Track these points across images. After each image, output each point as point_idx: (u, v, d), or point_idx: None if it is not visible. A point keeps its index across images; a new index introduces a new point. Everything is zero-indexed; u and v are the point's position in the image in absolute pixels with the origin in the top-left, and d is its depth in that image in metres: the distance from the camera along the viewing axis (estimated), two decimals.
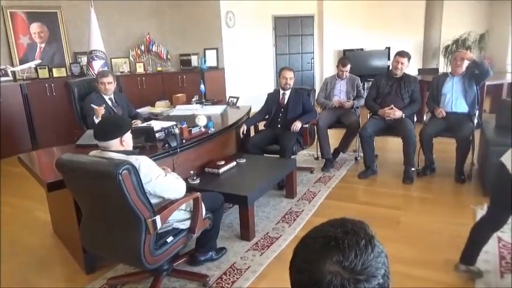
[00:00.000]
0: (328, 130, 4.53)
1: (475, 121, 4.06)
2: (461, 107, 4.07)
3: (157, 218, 2.09)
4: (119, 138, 2.16)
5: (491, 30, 8.82)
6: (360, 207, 3.59)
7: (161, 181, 2.19)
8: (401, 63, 4.15)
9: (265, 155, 4.10)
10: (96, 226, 2.26)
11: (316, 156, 4.86)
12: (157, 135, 3.21)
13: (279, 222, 3.30)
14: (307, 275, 0.74)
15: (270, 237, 3.07)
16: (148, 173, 2.13)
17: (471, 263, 2.44)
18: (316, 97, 4.77)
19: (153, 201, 2.18)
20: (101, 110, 3.57)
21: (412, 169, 4.10)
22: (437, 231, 3.10)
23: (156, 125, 3.48)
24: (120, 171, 1.90)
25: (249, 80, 7.30)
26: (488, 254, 2.68)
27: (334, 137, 4.77)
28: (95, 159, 2.11)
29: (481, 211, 3.31)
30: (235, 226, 3.20)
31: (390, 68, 4.41)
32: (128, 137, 2.23)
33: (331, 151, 4.58)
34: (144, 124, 3.62)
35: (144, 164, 2.13)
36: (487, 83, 6.20)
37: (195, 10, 6.72)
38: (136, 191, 1.99)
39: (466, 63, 4.02)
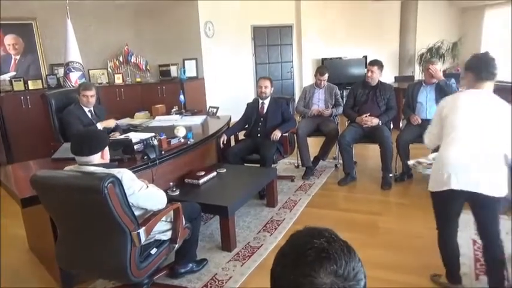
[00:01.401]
0: (308, 138, 4.58)
1: None
2: None
3: (142, 230, 2.08)
4: (100, 153, 2.15)
5: (463, 38, 9.13)
6: (340, 214, 3.63)
7: (144, 193, 2.19)
8: (372, 72, 4.25)
9: (245, 164, 4.12)
10: (75, 243, 2.21)
11: (296, 165, 4.90)
12: (135, 147, 3.18)
13: (260, 232, 3.30)
14: None
15: (251, 246, 3.06)
16: (131, 185, 2.13)
17: (459, 279, 2.41)
18: (295, 106, 4.84)
19: (137, 213, 2.17)
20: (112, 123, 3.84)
21: (390, 175, 4.18)
22: (415, 235, 3.16)
23: (135, 136, 3.46)
24: (106, 185, 1.88)
25: (229, 89, 7.32)
26: (464, 257, 2.73)
27: (314, 145, 4.83)
28: (76, 174, 2.08)
29: None
30: (216, 237, 3.18)
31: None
32: (107, 150, 2.21)
33: (311, 159, 4.63)
34: (122, 136, 3.58)
35: (127, 177, 2.12)
36: (460, 89, 6.40)
37: (174, 21, 6.72)
38: (121, 204, 1.98)
39: (439, 71, 4.15)
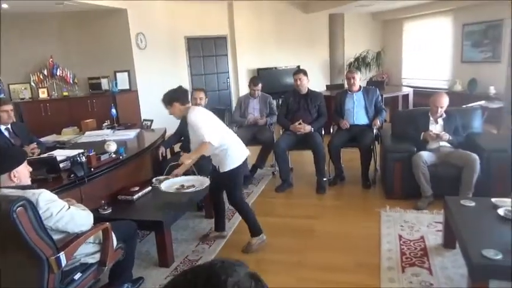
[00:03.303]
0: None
1: (375, 131, 4.44)
2: (363, 119, 4.46)
3: (62, 255, 1.96)
4: (7, 174, 1.99)
5: (385, 48, 9.85)
6: (278, 221, 3.70)
7: (63, 215, 2.05)
8: (300, 79, 4.44)
9: (183, 176, 4.04)
10: None
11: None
12: (61, 165, 3.02)
13: (199, 244, 3.27)
14: None
15: (189, 260, 3.02)
16: (48, 208, 1.99)
17: (223, 228, 3.33)
18: (232, 116, 4.88)
19: (57, 236, 2.04)
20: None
21: (324, 179, 4.35)
22: (348, 235, 3.31)
23: (61, 154, 3.27)
24: (15, 209, 1.76)
25: None
26: (391, 252, 2.93)
27: (252, 153, 4.88)
28: None
29: (385, 213, 3.62)
30: (153, 253, 3.09)
31: None
32: (21, 170, 2.05)
33: (249, 168, 4.68)
34: (46, 154, 3.37)
35: (43, 199, 1.98)
36: (385, 95, 6.88)
37: (103, 32, 6.47)
38: (34, 229, 1.85)
39: (358, 80, 4.46)
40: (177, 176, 3.22)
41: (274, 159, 4.65)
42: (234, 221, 3.67)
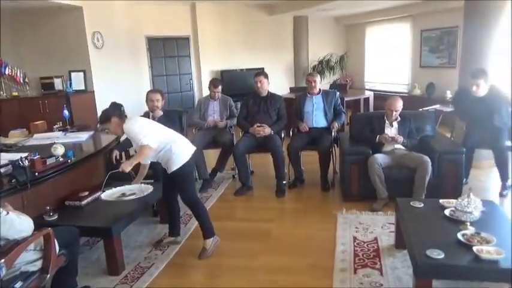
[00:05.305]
0: (205, 150, 4.54)
1: (334, 134, 4.47)
2: (321, 122, 4.48)
3: (1, 264, 1.84)
4: None
5: (349, 52, 10.04)
6: (236, 225, 3.65)
7: (3, 221, 1.94)
8: (260, 82, 4.42)
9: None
10: None
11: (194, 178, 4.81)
12: (2, 170, 2.84)
13: (152, 250, 3.16)
14: None
15: (141, 267, 2.91)
16: None
17: (177, 233, 3.28)
18: (192, 118, 4.80)
19: None
20: None
21: (284, 182, 4.34)
22: (304, 238, 3.31)
23: (3, 158, 3.07)
24: None
25: (124, 102, 6.92)
26: (345, 254, 2.95)
27: (212, 156, 4.82)
28: None
29: (341, 215, 3.65)
30: (103, 261, 2.95)
31: None
32: None
33: (209, 171, 4.61)
34: None
35: None
36: (347, 99, 7.01)
37: (57, 30, 6.19)
38: None
39: (319, 83, 4.49)
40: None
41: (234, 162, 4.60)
42: (190, 226, 3.58)
